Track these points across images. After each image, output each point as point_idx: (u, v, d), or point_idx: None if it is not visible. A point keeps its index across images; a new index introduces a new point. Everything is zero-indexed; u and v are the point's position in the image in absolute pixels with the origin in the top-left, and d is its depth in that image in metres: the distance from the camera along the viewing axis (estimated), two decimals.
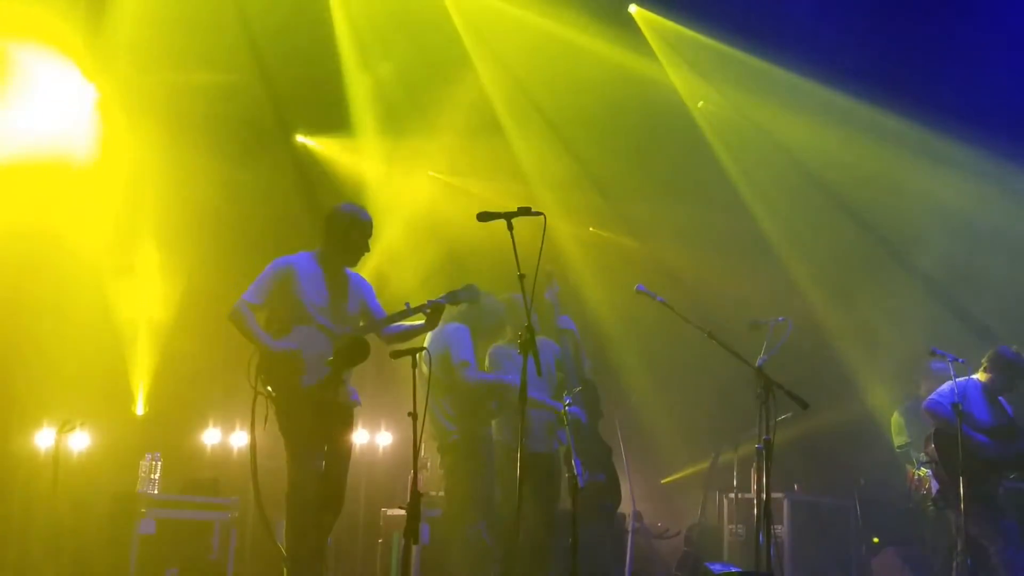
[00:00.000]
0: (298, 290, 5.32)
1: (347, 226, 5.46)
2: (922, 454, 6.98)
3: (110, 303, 8.00)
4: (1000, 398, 6.78)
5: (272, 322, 5.36)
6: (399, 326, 5.53)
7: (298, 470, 5.21)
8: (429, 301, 5.35)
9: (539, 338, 6.44)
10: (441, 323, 6.21)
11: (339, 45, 8.65)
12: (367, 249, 5.55)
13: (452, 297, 5.42)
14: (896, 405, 8.19)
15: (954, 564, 6.32)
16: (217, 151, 8.04)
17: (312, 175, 9.15)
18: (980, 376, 6.74)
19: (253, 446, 5.23)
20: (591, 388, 6.61)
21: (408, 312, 5.37)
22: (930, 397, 6.65)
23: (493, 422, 6.40)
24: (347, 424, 5.47)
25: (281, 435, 5.27)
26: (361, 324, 5.53)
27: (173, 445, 7.66)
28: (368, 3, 8.54)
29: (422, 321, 5.42)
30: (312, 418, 5.23)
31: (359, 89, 8.85)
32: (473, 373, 6.15)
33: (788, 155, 9.59)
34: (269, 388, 5.16)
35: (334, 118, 8.92)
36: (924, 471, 7.36)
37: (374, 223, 5.60)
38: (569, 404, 5.86)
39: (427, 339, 6.15)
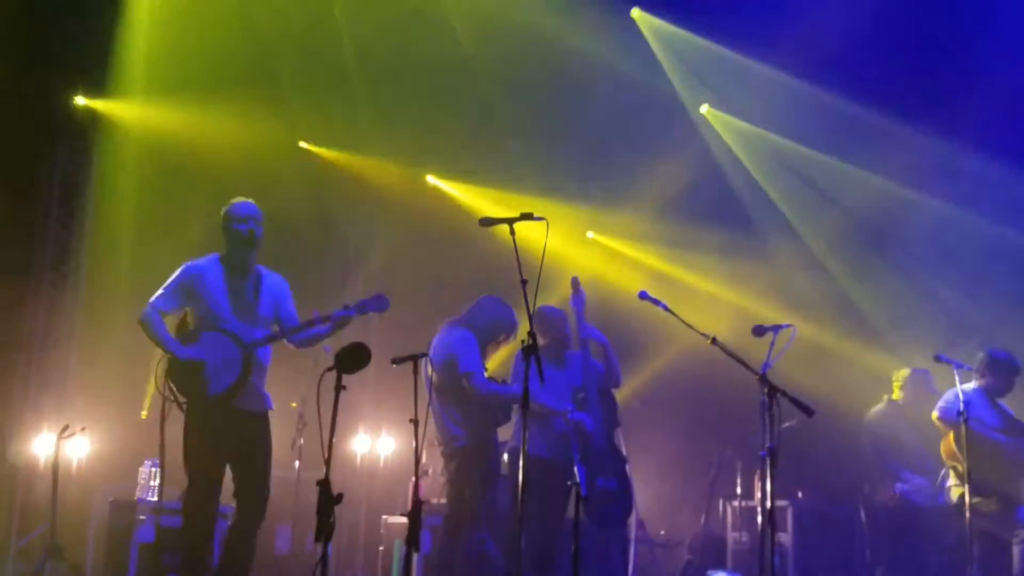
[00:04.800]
0: (205, 295, 5.38)
1: (231, 222, 5.45)
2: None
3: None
4: (1000, 402, 6.86)
5: (182, 327, 5.42)
6: (306, 332, 5.55)
7: (193, 473, 5.31)
8: (336, 311, 5.42)
9: (570, 351, 6.43)
10: (447, 328, 6.16)
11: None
12: (255, 238, 5.46)
13: (360, 308, 5.46)
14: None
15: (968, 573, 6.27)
16: None
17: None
18: (978, 382, 6.81)
19: (162, 446, 5.43)
20: (609, 398, 6.55)
21: (316, 321, 5.45)
22: (940, 407, 6.69)
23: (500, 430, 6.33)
24: (257, 430, 5.45)
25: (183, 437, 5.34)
26: (275, 329, 5.54)
27: (172, 451, 7.60)
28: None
29: (327, 326, 5.47)
30: (214, 425, 5.28)
31: None
32: (482, 382, 5.99)
33: (790, 159, 9.55)
34: (174, 390, 5.25)
35: None
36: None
37: None
38: (571, 411, 5.80)
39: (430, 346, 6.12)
